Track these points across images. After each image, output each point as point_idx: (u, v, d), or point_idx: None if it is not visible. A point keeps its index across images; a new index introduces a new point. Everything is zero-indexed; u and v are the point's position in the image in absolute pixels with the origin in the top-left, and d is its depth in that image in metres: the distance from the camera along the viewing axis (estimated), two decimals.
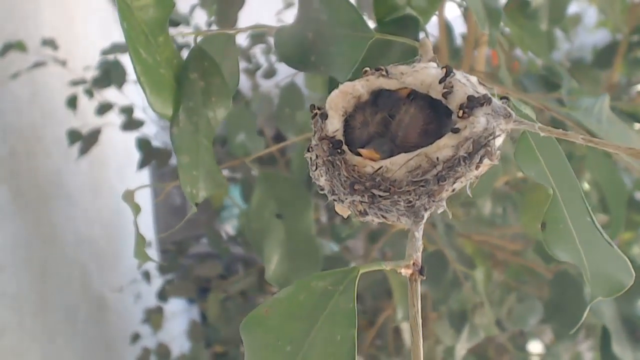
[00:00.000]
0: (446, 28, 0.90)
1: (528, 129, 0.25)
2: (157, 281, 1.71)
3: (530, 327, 0.92)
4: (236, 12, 0.90)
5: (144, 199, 2.17)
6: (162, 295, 1.63)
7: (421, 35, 0.39)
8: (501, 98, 0.28)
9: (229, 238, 1.64)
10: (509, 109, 0.27)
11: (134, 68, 0.31)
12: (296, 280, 0.22)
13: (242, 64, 1.46)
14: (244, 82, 1.49)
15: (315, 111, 0.30)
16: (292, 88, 0.99)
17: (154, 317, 1.61)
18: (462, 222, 0.92)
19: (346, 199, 0.29)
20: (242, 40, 1.44)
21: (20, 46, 1.26)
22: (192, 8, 1.36)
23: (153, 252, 2.06)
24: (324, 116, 0.30)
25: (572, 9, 1.37)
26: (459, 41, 0.99)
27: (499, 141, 0.27)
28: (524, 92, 0.62)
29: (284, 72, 1.23)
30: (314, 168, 0.31)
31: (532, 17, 0.77)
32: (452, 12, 0.91)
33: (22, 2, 1.43)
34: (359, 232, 1.09)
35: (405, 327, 0.86)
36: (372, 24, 0.39)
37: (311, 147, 0.31)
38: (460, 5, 0.76)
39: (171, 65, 0.33)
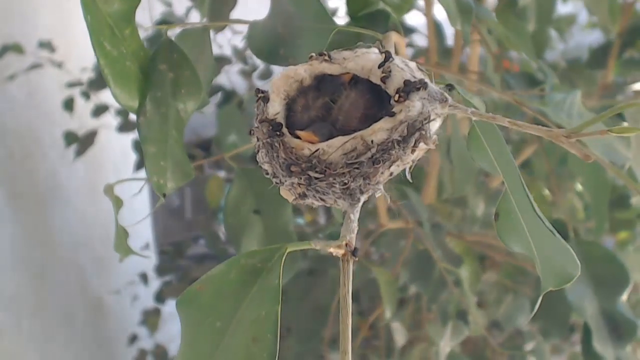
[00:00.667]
0: (436, 27, 0.90)
1: (462, 113, 0.26)
2: (155, 283, 1.71)
3: (523, 326, 0.91)
4: (228, 12, 0.90)
5: (143, 200, 2.18)
6: (160, 297, 1.63)
7: (401, 31, 0.39)
8: (447, 85, 0.28)
9: (227, 239, 1.64)
10: (445, 94, 0.27)
11: (97, 61, 0.31)
12: (227, 259, 0.23)
13: (238, 65, 1.46)
14: (241, 83, 1.49)
15: (258, 94, 0.31)
16: None
17: (151, 319, 1.61)
18: (453, 222, 0.92)
19: (285, 181, 0.29)
20: (238, 41, 1.45)
21: (17, 48, 1.27)
22: (188, 10, 1.36)
23: (151, 254, 2.06)
24: (266, 99, 0.30)
25: (568, 8, 1.37)
26: (451, 41, 0.99)
27: (435, 125, 0.27)
28: (508, 90, 0.62)
29: (280, 72, 1.22)
30: (257, 151, 0.31)
31: (520, 16, 0.77)
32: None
33: (20, 4, 1.44)
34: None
35: (395, 326, 0.86)
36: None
37: (252, 130, 0.31)
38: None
39: (138, 57, 0.34)
